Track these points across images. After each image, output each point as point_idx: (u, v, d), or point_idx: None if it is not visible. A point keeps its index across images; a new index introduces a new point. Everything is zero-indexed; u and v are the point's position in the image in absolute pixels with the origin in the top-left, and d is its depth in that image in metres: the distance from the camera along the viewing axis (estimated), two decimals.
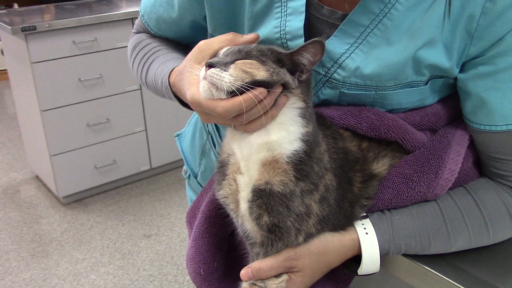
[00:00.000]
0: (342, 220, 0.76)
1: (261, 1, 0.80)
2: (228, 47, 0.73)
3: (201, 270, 0.86)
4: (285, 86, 0.69)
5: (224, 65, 0.67)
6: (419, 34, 0.74)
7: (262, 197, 0.70)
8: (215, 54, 0.76)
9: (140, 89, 3.12)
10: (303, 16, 0.77)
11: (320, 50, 0.68)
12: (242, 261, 0.83)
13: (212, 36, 0.89)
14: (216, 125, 1.03)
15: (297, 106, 0.71)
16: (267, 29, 0.80)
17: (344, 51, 0.77)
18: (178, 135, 1.24)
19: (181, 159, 1.22)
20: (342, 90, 0.79)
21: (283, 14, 0.78)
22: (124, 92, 3.07)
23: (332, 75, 0.78)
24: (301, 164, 0.70)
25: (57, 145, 2.94)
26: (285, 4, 0.78)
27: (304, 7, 0.77)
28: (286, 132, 0.70)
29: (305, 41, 0.77)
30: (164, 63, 0.91)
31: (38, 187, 3.37)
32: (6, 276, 2.55)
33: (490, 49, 0.74)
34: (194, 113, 1.12)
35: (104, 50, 2.92)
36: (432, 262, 0.78)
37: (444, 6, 0.73)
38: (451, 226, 0.77)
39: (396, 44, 0.75)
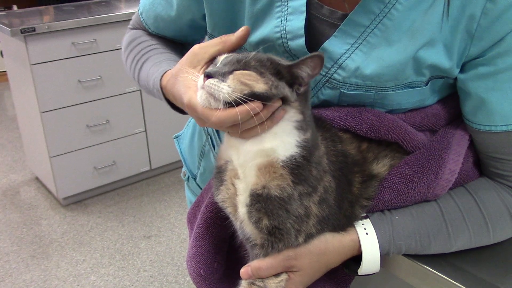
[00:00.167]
0: (343, 220, 0.76)
1: (262, 0, 0.80)
2: (226, 55, 0.72)
3: (202, 270, 0.86)
4: (284, 100, 0.68)
5: (222, 75, 0.66)
6: (419, 34, 0.74)
7: (260, 201, 0.70)
8: (210, 59, 0.75)
9: (140, 90, 3.11)
10: (303, 16, 0.77)
11: (319, 64, 0.67)
12: (242, 262, 0.83)
13: (212, 35, 0.89)
14: None
15: (295, 119, 0.70)
16: (267, 29, 0.80)
17: (344, 51, 0.77)
18: (177, 137, 1.23)
19: (181, 160, 1.22)
20: (342, 90, 0.79)
21: (283, 14, 0.78)
22: (123, 93, 3.07)
23: (332, 75, 0.78)
24: (299, 169, 0.69)
25: (57, 147, 2.94)
26: (286, 4, 0.78)
27: (305, 7, 0.77)
28: (281, 141, 0.70)
29: (305, 40, 0.77)
30: (157, 64, 0.90)
31: (38, 189, 3.37)
32: (6, 278, 2.55)
33: (491, 49, 0.74)
34: None
35: (104, 52, 2.92)
36: (432, 262, 0.78)
37: (443, 6, 0.73)
38: (451, 226, 0.77)
39: (396, 44, 0.75)
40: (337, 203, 0.74)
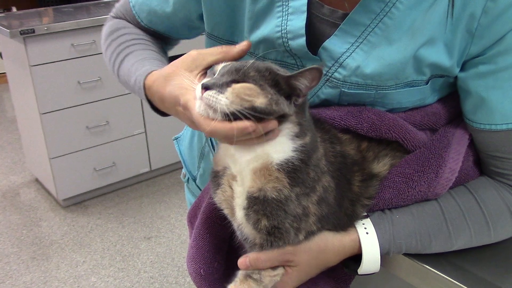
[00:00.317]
0: (344, 219, 0.76)
1: (262, 0, 0.80)
2: (224, 64, 0.71)
3: (202, 270, 0.86)
4: (282, 115, 0.68)
5: (221, 87, 0.65)
6: (420, 33, 0.74)
7: (258, 203, 0.70)
8: (208, 67, 0.75)
9: None
10: (304, 16, 0.77)
11: (317, 76, 0.66)
12: None
13: (211, 35, 0.89)
14: None
15: (292, 131, 0.69)
16: (268, 28, 0.79)
17: (345, 50, 0.77)
18: (176, 138, 1.23)
19: (181, 161, 1.22)
20: (343, 89, 0.79)
21: (284, 13, 0.78)
22: (123, 94, 3.07)
23: (332, 74, 0.78)
24: (296, 172, 0.69)
25: (57, 148, 2.94)
26: (287, 3, 0.78)
27: (306, 7, 0.77)
28: (276, 148, 0.69)
29: (306, 40, 0.77)
30: (141, 62, 0.89)
31: (38, 190, 3.37)
32: (7, 279, 2.55)
33: (491, 48, 0.74)
34: None
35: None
36: (432, 261, 0.78)
37: (447, 5, 0.73)
38: (452, 225, 0.77)
39: (397, 43, 0.75)
40: (337, 202, 0.74)
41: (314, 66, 0.65)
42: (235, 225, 0.77)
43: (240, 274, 0.76)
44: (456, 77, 0.79)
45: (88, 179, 3.13)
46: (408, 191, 0.77)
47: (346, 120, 0.79)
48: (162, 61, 0.92)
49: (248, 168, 0.70)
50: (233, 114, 0.63)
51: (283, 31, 0.78)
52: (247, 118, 0.64)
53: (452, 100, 0.84)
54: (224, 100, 0.64)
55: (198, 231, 0.86)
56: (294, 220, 0.70)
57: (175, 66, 0.77)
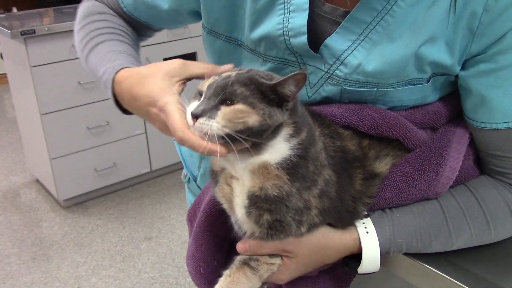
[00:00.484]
0: (345, 214, 0.76)
1: None
2: (208, 84, 0.69)
3: (201, 268, 0.86)
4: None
5: (210, 112, 0.65)
6: (421, 31, 0.74)
7: (259, 201, 0.70)
8: (189, 78, 0.76)
9: None
10: (306, 14, 0.77)
11: (302, 79, 0.65)
12: None
13: (212, 31, 0.88)
14: None
15: (287, 133, 0.69)
16: (269, 26, 0.79)
17: (346, 47, 0.77)
18: None
19: (181, 162, 1.22)
20: (344, 87, 0.79)
21: (286, 11, 0.78)
22: None
23: (334, 71, 0.78)
24: (295, 168, 0.69)
25: (57, 149, 2.94)
26: (288, 1, 0.78)
27: (308, 4, 0.77)
28: (269, 154, 0.69)
29: (307, 38, 0.77)
30: (115, 54, 0.88)
31: (38, 191, 3.37)
32: (7, 280, 2.55)
33: (492, 46, 0.74)
34: None
35: None
36: (433, 260, 0.78)
37: (450, 2, 0.73)
38: (452, 224, 0.77)
39: (398, 41, 0.75)
40: (338, 196, 0.74)
41: (297, 71, 0.64)
42: (233, 220, 0.77)
43: (237, 261, 0.76)
44: (457, 76, 0.79)
45: (89, 179, 3.13)
46: (409, 190, 0.77)
47: (347, 117, 0.79)
48: (136, 58, 0.91)
49: (246, 170, 0.70)
50: (228, 136, 0.64)
51: (284, 29, 0.78)
52: (243, 138, 0.64)
53: (453, 99, 0.84)
54: (215, 125, 0.64)
55: (198, 229, 0.86)
56: (296, 214, 0.71)
57: (156, 68, 0.76)
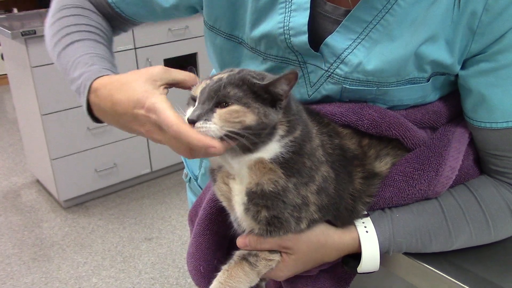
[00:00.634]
0: (343, 212, 0.76)
1: None
2: (201, 89, 0.69)
3: (201, 267, 0.86)
4: None
5: (206, 115, 0.65)
6: (422, 30, 0.74)
7: (256, 197, 0.70)
8: (171, 83, 0.74)
9: None
10: (307, 13, 0.77)
11: (293, 78, 0.66)
12: None
13: (213, 27, 0.88)
14: None
15: (280, 132, 0.69)
16: (270, 24, 0.80)
17: (347, 46, 0.77)
18: None
19: (182, 162, 1.22)
20: (344, 85, 0.79)
21: (287, 10, 0.78)
22: None
23: (334, 70, 0.78)
24: (288, 162, 0.69)
25: (58, 149, 2.94)
26: (290, 0, 0.78)
27: (309, 4, 0.77)
28: (263, 151, 0.69)
29: (308, 37, 0.77)
30: (92, 57, 0.83)
31: (39, 191, 3.38)
32: (8, 280, 2.55)
33: (492, 46, 0.74)
34: None
35: None
36: (432, 260, 0.78)
37: (452, 1, 0.73)
38: (452, 224, 0.77)
39: (398, 40, 0.75)
40: (337, 193, 0.74)
41: (289, 71, 0.65)
42: (232, 217, 0.77)
43: (235, 256, 0.77)
44: (457, 75, 0.79)
45: (89, 180, 3.13)
46: (408, 190, 0.77)
47: (347, 116, 0.79)
48: (112, 62, 0.88)
49: (243, 167, 0.70)
50: (227, 136, 0.64)
51: (285, 28, 0.78)
52: (243, 137, 0.64)
53: (453, 98, 0.84)
54: (213, 126, 0.64)
55: (199, 228, 0.86)
56: (294, 210, 0.71)
57: (137, 74, 0.74)
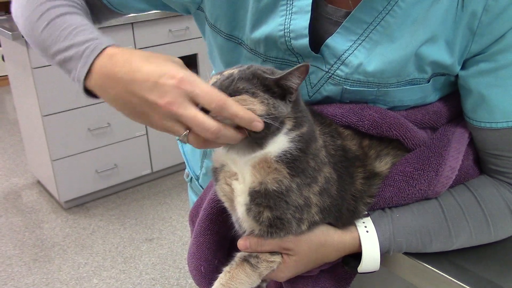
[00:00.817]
0: (345, 213, 0.76)
1: None
2: (212, 83, 0.69)
3: (202, 267, 0.86)
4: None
5: None
6: (422, 30, 0.75)
7: (259, 197, 0.70)
8: None
9: None
10: (308, 16, 0.77)
11: (305, 71, 0.67)
12: None
13: (214, 26, 0.87)
14: None
15: (288, 126, 0.70)
16: (270, 26, 0.79)
17: (347, 47, 0.77)
18: None
19: (182, 163, 1.23)
20: (345, 86, 0.79)
21: (288, 12, 0.78)
22: None
23: (335, 71, 0.79)
24: (295, 162, 0.69)
25: (58, 150, 2.95)
26: (291, 3, 0.78)
27: (310, 7, 0.77)
28: (271, 145, 0.70)
29: (309, 39, 0.77)
30: (94, 29, 0.78)
31: (40, 192, 3.38)
32: (9, 281, 2.55)
33: (492, 46, 0.74)
34: None
35: None
36: (433, 260, 0.78)
37: (456, 2, 0.73)
38: (452, 224, 0.77)
39: (398, 41, 0.75)
40: (339, 195, 0.75)
41: (302, 64, 0.66)
42: (234, 218, 0.77)
43: (237, 257, 0.77)
44: (457, 76, 0.80)
45: (90, 181, 3.13)
46: (408, 190, 0.78)
47: (348, 117, 0.79)
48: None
49: (247, 165, 0.71)
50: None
51: (286, 30, 0.78)
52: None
53: (453, 99, 0.85)
54: None
55: (199, 227, 0.86)
56: (296, 211, 0.71)
57: (161, 55, 0.71)
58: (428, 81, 0.80)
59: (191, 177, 1.19)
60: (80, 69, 0.73)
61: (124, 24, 2.90)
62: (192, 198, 1.22)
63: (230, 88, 0.67)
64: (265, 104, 0.66)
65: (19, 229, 2.98)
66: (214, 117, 0.64)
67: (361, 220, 0.78)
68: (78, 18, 0.79)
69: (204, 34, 0.95)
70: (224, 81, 0.68)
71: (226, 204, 0.77)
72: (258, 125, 0.65)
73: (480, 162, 0.84)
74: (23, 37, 2.68)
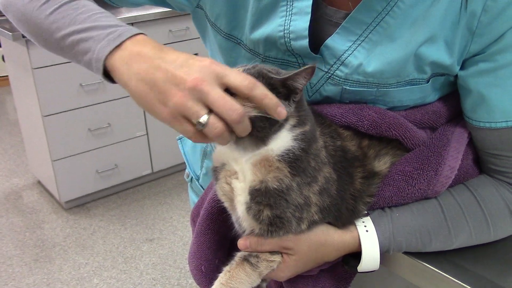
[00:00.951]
0: (345, 213, 0.76)
1: None
2: None
3: (202, 267, 0.86)
4: None
5: None
6: (421, 31, 0.75)
7: (260, 195, 0.70)
8: None
9: None
10: (308, 17, 0.77)
11: (311, 73, 0.67)
12: None
13: (215, 24, 0.87)
14: None
15: (291, 123, 0.70)
16: (270, 27, 0.80)
17: (347, 48, 0.77)
18: (180, 138, 1.24)
19: (183, 163, 1.23)
20: (345, 87, 0.79)
21: (288, 13, 0.78)
22: (125, 97, 3.07)
23: (334, 72, 0.79)
24: (297, 161, 0.70)
25: (59, 150, 2.95)
26: (291, 4, 0.78)
27: (310, 8, 0.77)
28: (274, 143, 0.70)
29: (308, 40, 0.77)
30: (115, 19, 0.76)
31: (40, 193, 3.38)
32: (10, 282, 2.55)
33: (491, 46, 0.74)
34: None
35: None
36: (432, 259, 0.78)
37: (460, 2, 0.73)
38: (451, 223, 0.77)
39: (398, 41, 0.75)
40: (339, 194, 0.75)
41: (309, 65, 0.66)
42: (233, 218, 0.77)
43: (237, 257, 0.77)
44: (456, 76, 0.80)
45: (91, 181, 3.13)
46: (408, 189, 0.78)
47: (347, 117, 0.79)
48: None
49: (248, 163, 0.71)
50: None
51: (285, 31, 0.78)
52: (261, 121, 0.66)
53: (452, 99, 0.85)
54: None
55: (200, 227, 0.87)
56: (296, 210, 0.71)
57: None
58: (428, 81, 0.80)
59: (192, 177, 1.19)
60: (101, 48, 0.70)
61: None
62: (193, 198, 1.22)
63: None
64: None
65: (20, 229, 2.98)
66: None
67: (361, 220, 0.78)
68: (94, 5, 0.78)
69: (203, 33, 0.95)
70: None
71: (226, 204, 0.77)
72: (282, 111, 0.65)
73: (480, 162, 0.84)
74: (23, 37, 2.70)
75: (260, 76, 0.68)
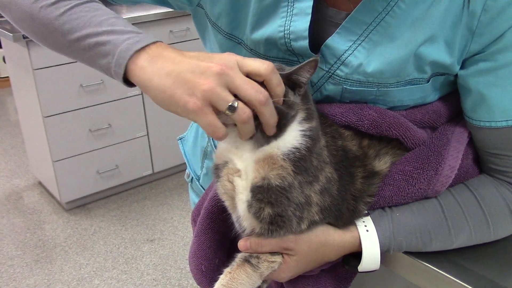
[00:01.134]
0: (346, 213, 0.76)
1: None
2: None
3: (203, 266, 0.86)
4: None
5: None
6: (421, 30, 0.75)
7: (261, 192, 0.70)
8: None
9: (142, 94, 3.13)
10: (308, 18, 0.77)
11: (315, 66, 0.69)
12: None
13: (215, 24, 0.87)
14: None
15: (300, 116, 0.72)
16: (271, 28, 0.80)
17: (347, 48, 0.77)
18: (180, 139, 1.24)
19: (183, 163, 1.23)
20: (345, 86, 0.79)
21: (288, 14, 0.79)
22: (125, 97, 3.08)
23: (335, 71, 0.79)
24: (301, 160, 0.70)
25: (60, 151, 2.95)
26: (292, 4, 0.79)
27: (311, 9, 0.77)
28: (282, 140, 0.71)
29: (309, 41, 0.78)
30: (130, 25, 0.76)
31: (41, 193, 3.38)
32: (11, 282, 2.56)
33: (491, 45, 0.75)
34: None
35: None
36: (432, 259, 0.78)
37: (462, 2, 0.74)
38: (451, 223, 0.77)
39: (398, 41, 0.75)
40: (340, 195, 0.75)
41: (312, 58, 0.68)
42: (234, 217, 0.77)
43: (237, 258, 0.77)
44: (456, 75, 0.80)
45: (91, 182, 3.14)
46: (408, 189, 0.78)
47: (347, 116, 0.80)
48: None
49: (251, 161, 0.71)
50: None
51: (286, 32, 0.78)
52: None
53: (452, 98, 0.85)
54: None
55: (200, 226, 0.87)
56: (297, 209, 0.71)
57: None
58: (428, 81, 0.80)
59: (192, 178, 1.19)
60: (121, 52, 0.70)
61: None
62: (193, 198, 1.22)
63: None
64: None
65: (21, 230, 2.98)
66: None
67: (361, 220, 0.78)
68: (107, 8, 0.78)
69: (203, 33, 0.95)
70: None
71: (227, 203, 0.77)
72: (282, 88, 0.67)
73: (480, 162, 0.84)
74: (24, 38, 2.70)
75: None
